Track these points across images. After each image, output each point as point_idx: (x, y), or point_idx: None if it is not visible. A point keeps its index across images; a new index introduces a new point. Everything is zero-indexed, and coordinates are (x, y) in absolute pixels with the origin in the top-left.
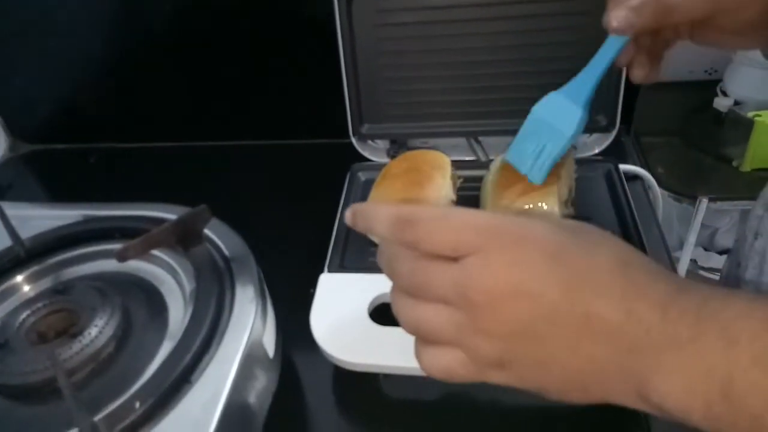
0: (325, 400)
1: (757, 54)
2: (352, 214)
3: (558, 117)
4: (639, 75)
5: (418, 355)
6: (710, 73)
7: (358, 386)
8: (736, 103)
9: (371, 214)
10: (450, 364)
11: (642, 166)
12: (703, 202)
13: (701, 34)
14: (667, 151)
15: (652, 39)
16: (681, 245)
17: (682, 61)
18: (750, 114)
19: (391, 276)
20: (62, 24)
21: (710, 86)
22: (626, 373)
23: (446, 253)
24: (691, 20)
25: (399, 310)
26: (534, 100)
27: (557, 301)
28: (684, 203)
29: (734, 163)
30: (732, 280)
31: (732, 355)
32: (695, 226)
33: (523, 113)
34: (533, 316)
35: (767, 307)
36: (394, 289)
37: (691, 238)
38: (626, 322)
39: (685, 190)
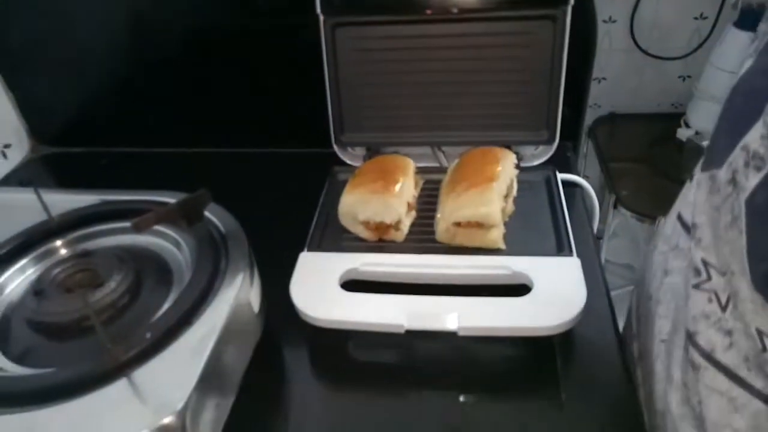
0: (300, 358)
1: (715, 89)
2: None
3: None
4: None
5: None
6: (676, 107)
7: (329, 350)
8: (697, 133)
9: None
10: None
11: (610, 190)
12: (662, 222)
13: None
14: (634, 176)
15: None
16: None
17: (651, 95)
18: (705, 143)
19: None
20: (82, 39)
21: (675, 118)
22: None
23: None
24: None
25: None
26: (488, 117)
27: None
28: (645, 223)
29: None
30: (643, 313)
31: None
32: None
33: (479, 127)
34: None
35: None
36: None
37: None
38: None
39: (647, 212)
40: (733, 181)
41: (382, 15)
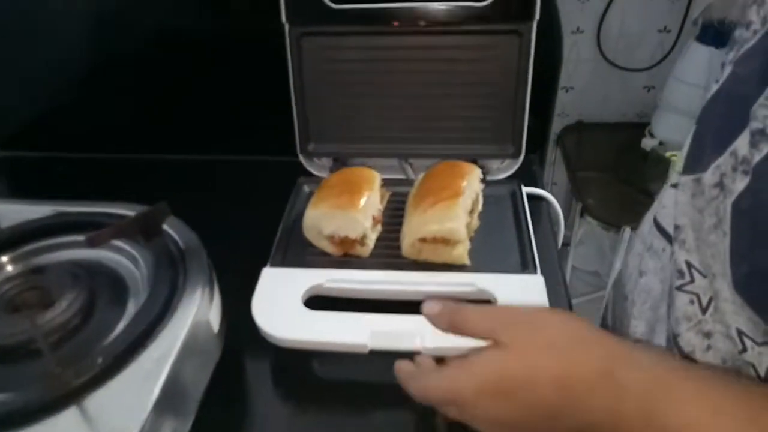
0: (262, 378)
1: (678, 101)
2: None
3: None
4: None
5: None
6: (641, 117)
7: (293, 368)
8: (661, 143)
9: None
10: None
11: (576, 199)
12: (627, 231)
13: None
14: (600, 185)
15: None
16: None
17: (617, 104)
18: (668, 154)
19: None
20: (40, 39)
21: (640, 128)
22: None
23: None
24: None
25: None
26: (455, 130)
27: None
28: (610, 231)
29: (656, 197)
30: (618, 314)
31: None
32: (620, 253)
33: (445, 140)
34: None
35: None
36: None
37: (617, 264)
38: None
39: (613, 221)
40: (721, 184)
41: (348, 25)
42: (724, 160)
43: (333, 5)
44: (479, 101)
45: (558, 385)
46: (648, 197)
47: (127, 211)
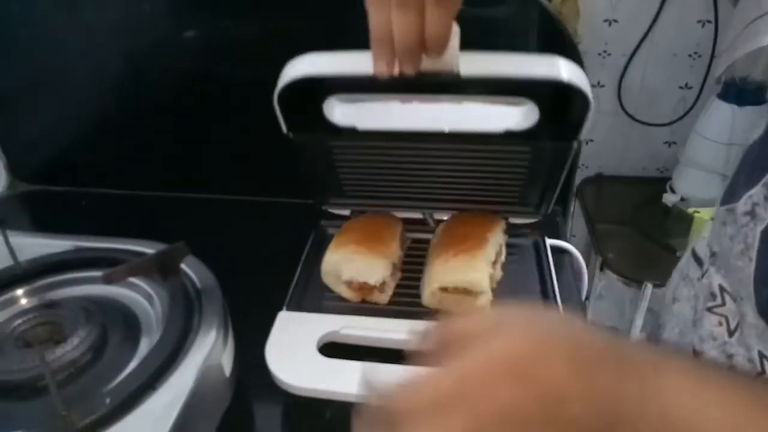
0: (273, 426)
1: (701, 157)
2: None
3: None
4: None
5: None
6: (662, 171)
7: (306, 416)
8: (682, 199)
9: None
10: None
11: (596, 252)
12: (648, 287)
13: None
14: (620, 239)
15: None
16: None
17: (638, 158)
18: (690, 210)
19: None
20: (68, 81)
21: (661, 183)
22: None
23: None
24: None
25: None
26: (481, 195)
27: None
28: (632, 287)
29: (678, 254)
30: (653, 339)
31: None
32: (641, 309)
33: (471, 201)
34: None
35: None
36: None
37: (638, 321)
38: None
39: (633, 275)
40: (752, 212)
41: (358, 140)
42: (756, 191)
43: (337, 119)
44: (508, 176)
45: (570, 358)
46: (670, 253)
47: (146, 248)
